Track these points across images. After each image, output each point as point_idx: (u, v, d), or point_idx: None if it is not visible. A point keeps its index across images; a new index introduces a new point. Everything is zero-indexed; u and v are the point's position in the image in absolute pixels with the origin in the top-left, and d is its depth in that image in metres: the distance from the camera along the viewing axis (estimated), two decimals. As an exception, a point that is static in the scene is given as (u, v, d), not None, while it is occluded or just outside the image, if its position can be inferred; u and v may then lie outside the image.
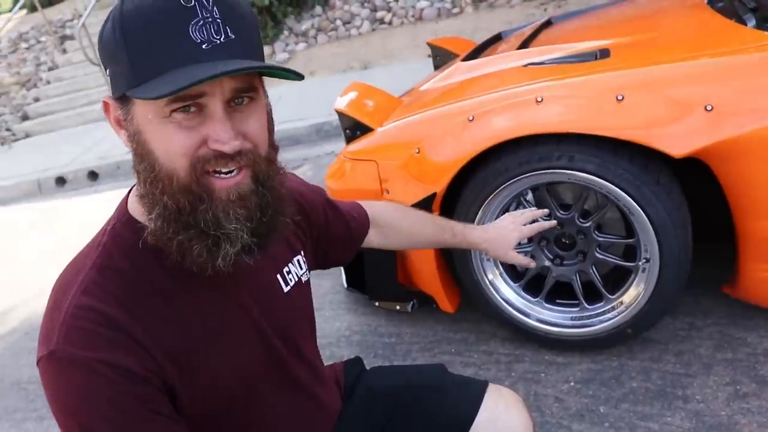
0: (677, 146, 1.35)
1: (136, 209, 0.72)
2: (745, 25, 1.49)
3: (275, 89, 6.14)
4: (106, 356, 0.64)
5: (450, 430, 0.96)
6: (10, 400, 2.30)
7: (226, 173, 0.65)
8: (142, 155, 0.65)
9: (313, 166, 4.14)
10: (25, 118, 7.77)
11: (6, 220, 5.10)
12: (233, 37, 0.62)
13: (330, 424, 0.96)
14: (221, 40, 0.61)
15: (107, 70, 0.66)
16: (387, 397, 1.01)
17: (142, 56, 0.61)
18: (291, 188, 0.91)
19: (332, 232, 1.03)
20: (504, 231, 1.20)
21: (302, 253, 0.92)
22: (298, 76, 0.65)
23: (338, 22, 6.98)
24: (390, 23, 6.77)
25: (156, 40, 0.60)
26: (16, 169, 6.16)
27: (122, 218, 0.73)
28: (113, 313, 0.66)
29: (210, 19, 0.61)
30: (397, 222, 1.18)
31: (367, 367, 1.11)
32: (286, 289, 0.85)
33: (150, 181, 0.65)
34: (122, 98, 0.66)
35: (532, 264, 1.23)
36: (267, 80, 0.69)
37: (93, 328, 0.64)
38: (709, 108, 1.32)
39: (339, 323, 2.20)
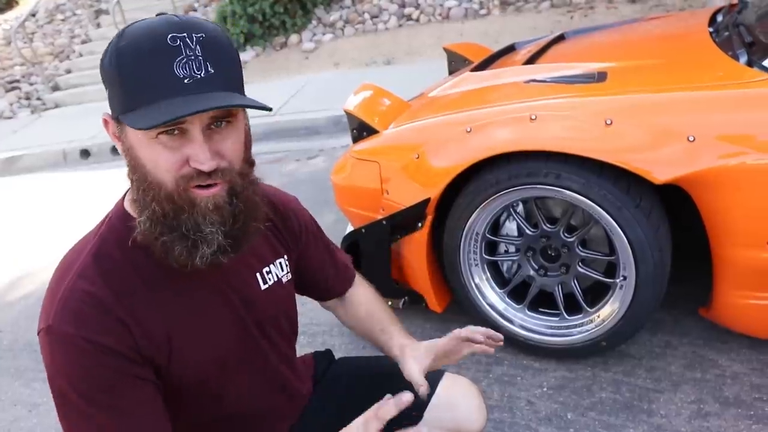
0: (659, 173, 1.42)
1: (131, 206, 0.83)
2: (738, 59, 1.54)
3: (299, 77, 6.26)
4: (91, 335, 0.75)
5: (408, 410, 1.05)
6: (22, 360, 2.45)
7: (206, 186, 0.75)
8: (135, 167, 0.76)
9: (327, 158, 4.24)
10: (55, 88, 8.00)
11: (31, 187, 5.30)
12: (213, 71, 0.71)
13: (298, 410, 1.06)
14: (202, 75, 0.70)
15: (107, 91, 0.76)
16: (352, 383, 1.12)
17: (133, 87, 0.71)
18: (279, 202, 1.03)
19: (310, 253, 1.09)
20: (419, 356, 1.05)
21: (285, 257, 1.01)
22: (267, 109, 0.75)
23: (366, 16, 7.05)
24: (417, 20, 6.82)
25: (145, 74, 0.70)
26: (44, 138, 6.37)
27: (119, 212, 0.84)
28: (102, 296, 0.77)
29: (192, 57, 0.70)
30: (353, 293, 1.18)
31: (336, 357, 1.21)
32: (263, 287, 0.95)
33: (142, 189, 0.76)
34: (117, 118, 0.75)
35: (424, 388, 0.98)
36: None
37: (83, 309, 0.76)
38: (691, 139, 1.38)
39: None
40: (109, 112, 0.78)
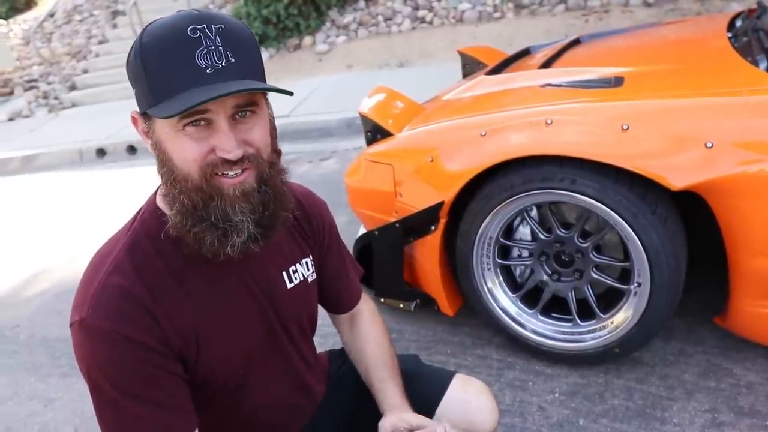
0: (676, 179, 1.40)
1: (163, 201, 0.84)
2: (758, 65, 1.53)
3: (312, 79, 6.29)
4: (124, 329, 0.77)
5: (419, 408, 1.05)
6: (37, 356, 2.48)
7: (233, 175, 0.77)
8: (163, 161, 0.78)
9: (340, 159, 4.25)
10: (73, 88, 8.09)
11: (48, 185, 5.36)
12: (233, 60, 0.73)
13: (313, 408, 1.07)
14: (223, 64, 0.72)
15: (134, 89, 0.78)
16: (362, 382, 1.11)
17: (157, 81, 0.73)
18: (311, 206, 1.03)
19: (330, 260, 1.08)
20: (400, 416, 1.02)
21: (311, 257, 1.02)
22: (288, 93, 0.76)
23: (380, 18, 7.06)
24: (430, 23, 6.82)
25: (168, 66, 0.72)
26: (60, 137, 6.45)
27: (150, 208, 0.86)
28: (135, 290, 0.79)
29: (213, 47, 0.72)
30: (361, 325, 1.14)
31: None
32: (289, 286, 0.96)
33: (170, 182, 0.78)
34: (145, 114, 0.77)
35: None
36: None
37: (117, 304, 0.77)
38: (709, 145, 1.37)
39: (346, 315, 2.30)
40: (137, 110, 0.79)
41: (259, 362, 0.93)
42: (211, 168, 0.75)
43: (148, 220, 0.85)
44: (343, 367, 1.17)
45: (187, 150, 0.75)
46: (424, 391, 1.09)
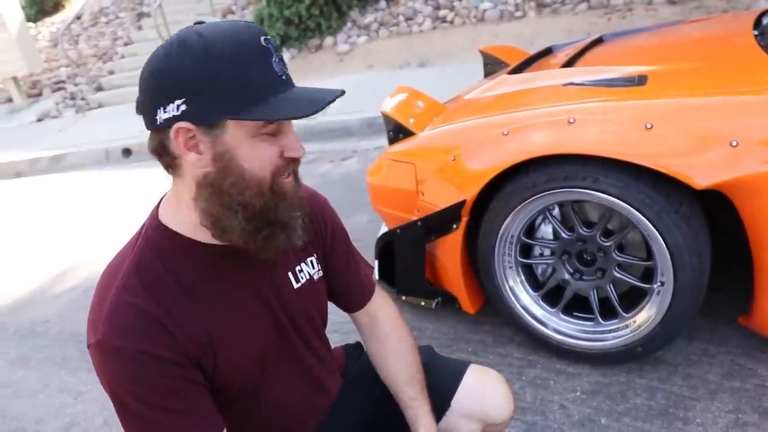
0: (700, 178, 1.40)
1: (166, 217, 0.86)
2: (785, 63, 1.51)
3: (333, 79, 6.32)
4: (141, 347, 0.78)
5: (434, 399, 1.08)
6: (67, 350, 2.55)
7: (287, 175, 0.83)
8: (229, 171, 0.78)
9: (360, 159, 4.28)
10: (99, 89, 8.26)
11: (75, 184, 5.49)
12: (287, 70, 0.81)
13: (329, 403, 1.09)
14: (287, 70, 0.80)
15: (177, 101, 0.74)
16: (378, 376, 1.13)
17: (241, 86, 0.74)
18: (316, 203, 1.06)
19: (336, 258, 1.09)
20: None
21: (315, 255, 1.03)
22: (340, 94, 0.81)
23: (401, 18, 7.07)
24: (451, 22, 6.81)
25: (251, 73, 0.75)
26: (87, 137, 6.60)
27: (153, 223, 0.87)
28: (146, 307, 0.80)
29: (278, 57, 0.79)
30: (388, 334, 1.12)
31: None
32: (296, 285, 0.97)
33: (238, 191, 0.78)
34: (208, 125, 0.76)
35: None
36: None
37: (129, 321, 0.79)
38: (734, 144, 1.36)
39: (367, 312, 2.33)
40: (183, 123, 0.75)
41: (272, 363, 0.95)
42: (281, 171, 0.81)
43: (153, 235, 0.85)
44: (359, 361, 1.19)
45: (266, 154, 0.79)
46: (439, 382, 1.11)
